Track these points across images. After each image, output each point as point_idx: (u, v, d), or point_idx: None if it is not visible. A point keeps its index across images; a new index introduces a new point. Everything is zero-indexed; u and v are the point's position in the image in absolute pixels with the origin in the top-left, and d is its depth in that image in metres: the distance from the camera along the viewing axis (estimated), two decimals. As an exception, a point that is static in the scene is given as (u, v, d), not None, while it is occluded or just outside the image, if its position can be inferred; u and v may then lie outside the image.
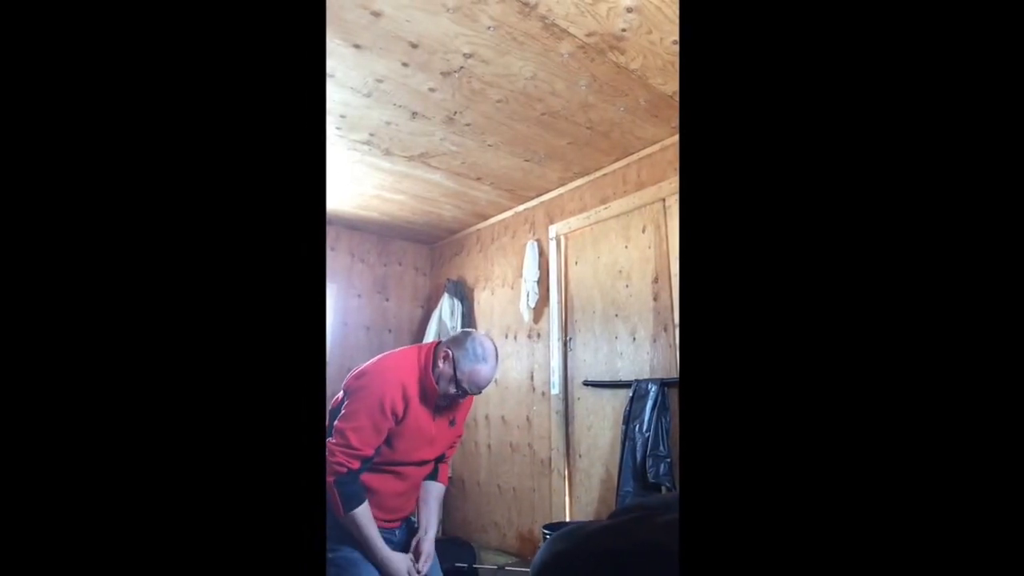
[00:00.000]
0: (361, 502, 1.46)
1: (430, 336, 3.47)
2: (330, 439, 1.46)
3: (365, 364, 1.58)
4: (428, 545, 1.63)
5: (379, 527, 1.51)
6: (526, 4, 1.61)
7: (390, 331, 3.71)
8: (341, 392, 1.55)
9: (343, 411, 1.49)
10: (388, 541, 1.55)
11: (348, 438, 1.44)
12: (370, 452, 1.47)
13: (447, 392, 1.56)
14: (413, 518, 1.70)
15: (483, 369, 1.53)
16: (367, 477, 1.51)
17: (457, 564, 1.72)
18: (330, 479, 1.42)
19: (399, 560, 1.52)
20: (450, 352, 1.54)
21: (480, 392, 1.61)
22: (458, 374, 1.53)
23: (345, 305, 3.56)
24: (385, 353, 1.64)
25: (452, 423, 1.67)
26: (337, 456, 1.43)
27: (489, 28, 1.71)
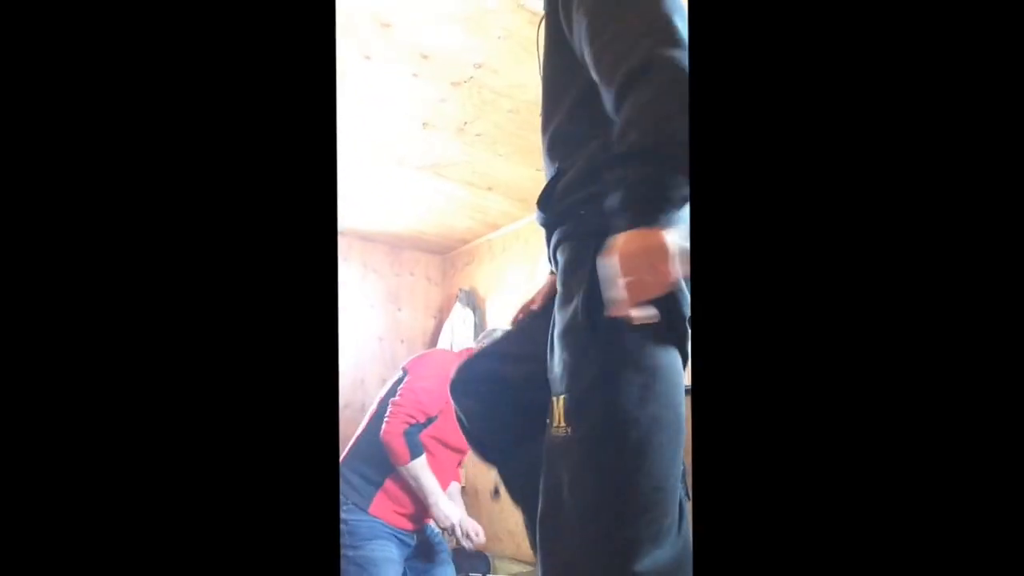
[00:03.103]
0: (422, 454, 1.59)
1: (443, 346, 3.47)
2: (395, 398, 1.62)
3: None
4: (472, 523, 1.76)
5: (401, 528, 1.56)
6: (536, 15, 1.62)
7: (402, 341, 3.72)
8: (400, 371, 1.75)
9: (409, 376, 1.67)
10: (406, 545, 1.58)
11: (418, 395, 1.60)
12: (434, 412, 1.62)
13: None
14: (428, 529, 1.73)
15: None
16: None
17: (472, 574, 1.73)
18: (399, 428, 1.55)
19: (455, 511, 1.63)
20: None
21: None
22: None
23: (357, 316, 3.58)
24: (437, 349, 1.86)
25: None
26: (407, 408, 1.58)
27: (499, 38, 1.72)
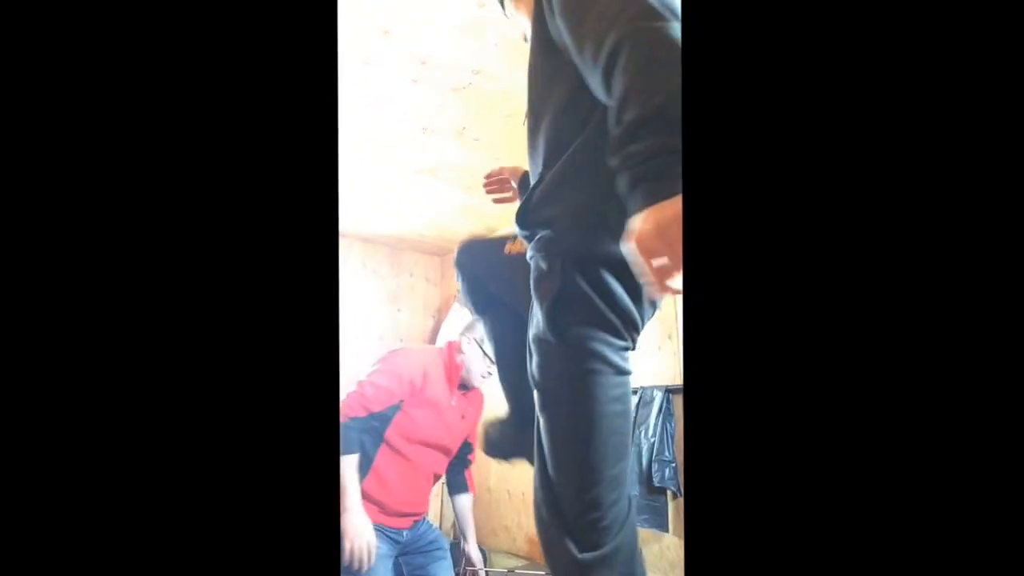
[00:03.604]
0: (352, 453, 1.52)
1: (440, 347, 3.47)
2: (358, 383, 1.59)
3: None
4: (474, 550, 1.78)
5: (386, 525, 1.54)
6: (533, 20, 1.63)
7: (402, 341, 3.72)
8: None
9: (373, 370, 1.62)
10: (394, 541, 1.56)
11: (363, 388, 1.56)
12: (377, 408, 1.57)
13: (479, 373, 1.67)
14: (424, 524, 1.72)
15: None
16: (381, 459, 1.58)
17: (468, 567, 1.74)
18: (341, 420, 1.50)
19: (365, 526, 1.48)
20: (472, 337, 1.69)
21: None
22: (487, 350, 1.64)
23: (358, 316, 3.59)
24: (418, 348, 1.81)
25: (464, 417, 1.73)
26: (349, 401, 1.53)
27: (497, 46, 1.73)
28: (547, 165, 0.84)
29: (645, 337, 2.40)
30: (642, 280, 0.68)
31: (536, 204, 0.84)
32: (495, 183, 1.33)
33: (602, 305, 0.79)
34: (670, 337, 2.26)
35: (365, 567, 1.46)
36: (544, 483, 0.84)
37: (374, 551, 1.49)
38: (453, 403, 1.73)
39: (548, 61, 0.84)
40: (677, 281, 0.63)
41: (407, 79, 1.91)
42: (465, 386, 1.75)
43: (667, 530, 1.98)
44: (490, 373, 1.68)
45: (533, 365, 0.85)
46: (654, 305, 0.91)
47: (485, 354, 1.66)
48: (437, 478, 1.76)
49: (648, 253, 0.63)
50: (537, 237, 0.84)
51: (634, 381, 2.34)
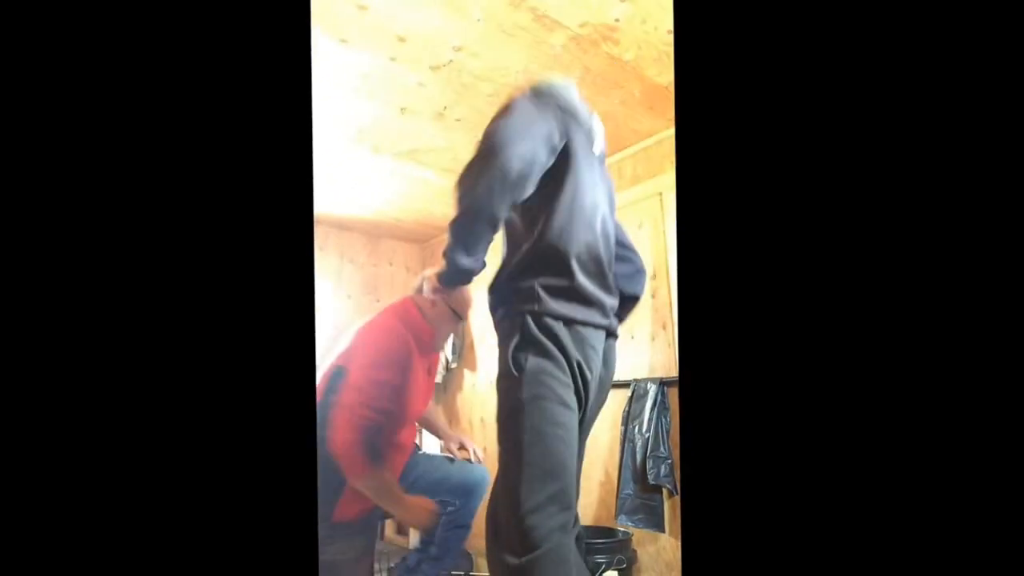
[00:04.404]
0: (383, 461, 1.44)
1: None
2: (336, 397, 1.40)
3: (356, 331, 1.57)
4: (463, 438, 1.75)
5: (368, 515, 1.49)
6: (515, -4, 1.59)
7: (382, 330, 3.69)
8: (334, 366, 1.51)
9: (350, 371, 1.44)
10: (370, 529, 1.54)
11: (367, 392, 1.38)
12: (386, 406, 1.44)
13: (451, 330, 1.61)
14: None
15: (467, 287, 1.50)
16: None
17: (454, 572, 1.71)
18: (355, 436, 1.35)
19: (423, 503, 1.50)
20: (436, 297, 1.53)
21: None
22: (455, 306, 1.56)
23: (335, 306, 3.53)
24: (366, 325, 1.59)
25: (429, 372, 1.67)
26: (359, 411, 1.37)
27: (478, 20, 1.68)
28: (511, 251, 1.17)
29: (638, 327, 2.42)
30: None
31: (504, 280, 1.14)
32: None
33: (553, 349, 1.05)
34: (664, 327, 2.23)
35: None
36: (493, 492, 1.11)
37: (434, 514, 1.52)
38: (429, 375, 1.63)
39: None
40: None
41: (385, 57, 1.85)
42: (432, 350, 1.61)
43: (664, 530, 1.96)
44: (454, 335, 1.61)
45: (499, 397, 1.08)
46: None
47: (454, 312, 1.53)
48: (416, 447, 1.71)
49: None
50: (502, 305, 1.13)
51: (627, 374, 2.34)
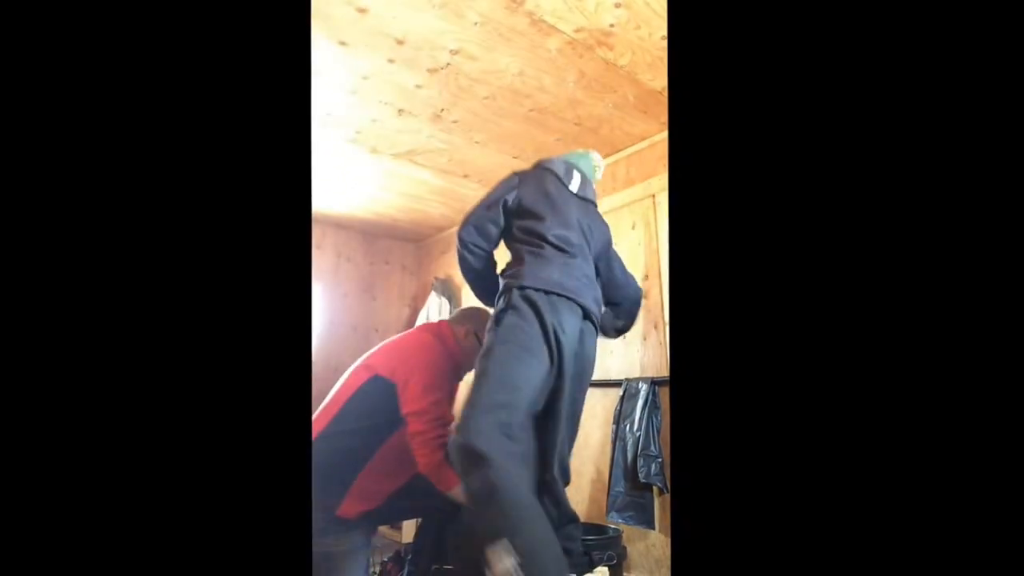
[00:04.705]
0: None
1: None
2: (412, 417, 1.44)
3: (391, 350, 1.58)
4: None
5: (367, 513, 1.49)
6: (513, 0, 1.60)
7: (377, 330, 3.68)
8: (369, 373, 1.53)
9: (410, 386, 1.48)
10: (369, 528, 1.54)
11: (432, 414, 1.44)
12: (449, 415, 1.48)
13: (474, 364, 1.61)
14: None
15: None
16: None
17: (446, 566, 1.70)
18: (438, 456, 1.40)
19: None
20: (470, 327, 1.63)
21: None
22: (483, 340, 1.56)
23: (331, 304, 3.53)
24: (403, 341, 1.62)
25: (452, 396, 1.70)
26: (431, 435, 1.42)
27: (476, 24, 1.69)
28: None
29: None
30: None
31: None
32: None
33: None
34: (656, 327, 2.24)
35: None
36: None
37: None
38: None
39: None
40: None
41: (383, 59, 1.86)
42: (457, 379, 1.64)
43: (653, 527, 1.97)
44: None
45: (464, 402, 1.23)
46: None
47: (481, 344, 1.59)
48: None
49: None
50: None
51: (618, 373, 2.34)
